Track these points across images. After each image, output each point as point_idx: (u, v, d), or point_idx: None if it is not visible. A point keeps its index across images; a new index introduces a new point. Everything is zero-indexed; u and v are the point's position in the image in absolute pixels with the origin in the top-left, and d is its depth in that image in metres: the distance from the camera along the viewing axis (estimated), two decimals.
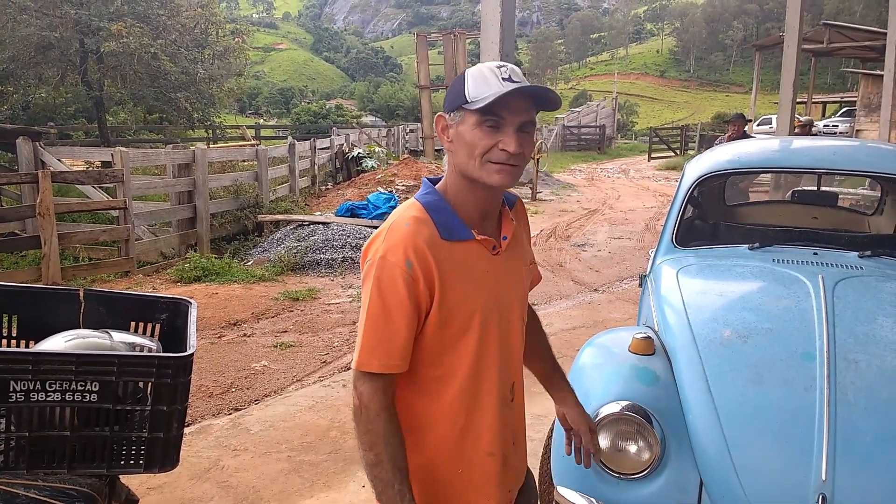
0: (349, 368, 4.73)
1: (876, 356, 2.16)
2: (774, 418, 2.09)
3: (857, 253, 2.84)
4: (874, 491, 1.90)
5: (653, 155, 27.62)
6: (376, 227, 6.81)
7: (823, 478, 1.92)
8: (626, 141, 39.66)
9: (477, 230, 1.39)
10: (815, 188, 3.82)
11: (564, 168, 24.26)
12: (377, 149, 14.58)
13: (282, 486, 3.16)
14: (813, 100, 32.74)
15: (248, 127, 26.18)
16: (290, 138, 14.39)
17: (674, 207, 3.28)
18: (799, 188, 4.35)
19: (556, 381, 1.77)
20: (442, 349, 1.38)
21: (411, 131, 23.97)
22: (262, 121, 41.99)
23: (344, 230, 8.55)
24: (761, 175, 5.93)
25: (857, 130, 21.64)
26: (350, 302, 6.49)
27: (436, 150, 19.93)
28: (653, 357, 2.44)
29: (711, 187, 4.30)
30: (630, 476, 2.18)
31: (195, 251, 8.31)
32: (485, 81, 1.32)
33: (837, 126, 24.88)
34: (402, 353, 1.33)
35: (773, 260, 2.82)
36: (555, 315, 6.21)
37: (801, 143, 3.40)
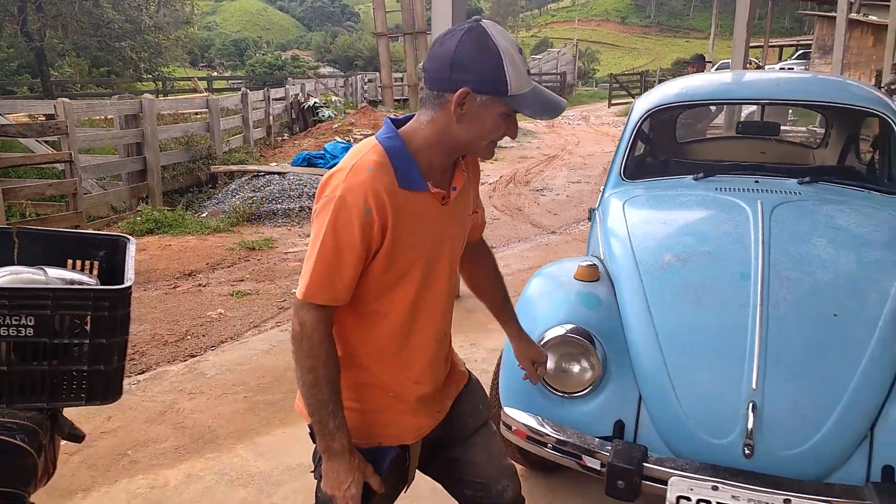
0: None
1: (808, 273, 2.25)
2: (710, 335, 2.17)
3: (796, 180, 2.92)
4: (799, 397, 2.01)
5: (613, 101, 27.63)
6: None
7: (754, 386, 2.02)
8: (587, 88, 39.51)
9: (432, 182, 1.42)
10: (760, 119, 3.89)
11: (524, 116, 24.14)
12: (334, 98, 14.30)
13: (238, 425, 3.18)
14: (770, 43, 32.97)
15: (200, 79, 25.32)
16: (243, 88, 14.00)
17: (622, 142, 3.31)
18: (748, 121, 4.42)
19: (504, 316, 1.88)
20: (383, 288, 1.43)
21: (370, 81, 23.49)
22: (215, 73, 40.66)
23: (300, 180, 8.44)
24: (717, 117, 6.01)
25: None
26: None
27: (395, 100, 19.64)
28: (597, 283, 2.49)
29: (663, 124, 4.35)
30: (574, 394, 2.25)
31: (147, 204, 8.13)
32: (519, 74, 1.33)
33: (793, 69, 25.18)
34: (348, 288, 1.38)
35: (716, 189, 2.88)
36: (512, 257, 6.28)
37: (747, 75, 3.44)
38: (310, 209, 7.70)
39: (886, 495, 1.83)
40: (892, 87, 7.48)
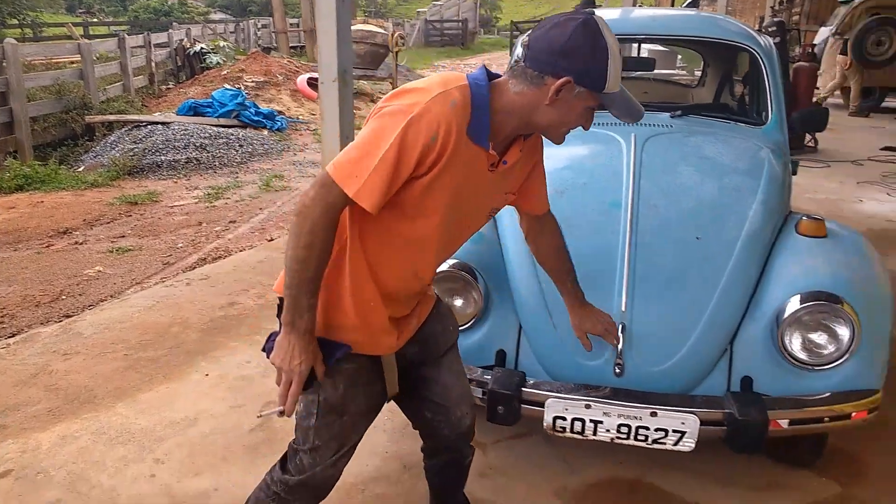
0: (194, 268, 4.55)
1: (674, 200, 2.34)
2: (584, 262, 2.21)
3: (669, 114, 3.01)
4: (665, 317, 2.11)
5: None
6: (223, 126, 6.48)
7: (623, 309, 2.10)
8: (489, 36, 39.38)
9: (492, 144, 1.45)
10: (636, 55, 3.99)
11: (428, 64, 23.84)
12: (223, 44, 13.53)
13: (117, 384, 3.03)
14: None
15: (76, 24, 23.30)
16: (120, 33, 13.00)
17: None
18: (628, 56, 4.52)
19: (567, 287, 1.94)
20: (402, 214, 1.46)
21: (263, 27, 22.39)
22: (95, 20, 37.53)
23: (186, 130, 7.99)
24: None
25: None
26: (196, 203, 6.16)
27: (291, 48, 18.83)
28: None
29: None
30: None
31: (15, 159, 7.48)
32: (617, 74, 1.39)
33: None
34: (382, 198, 1.37)
35: (596, 124, 2.91)
36: None
37: (625, 13, 3.48)
38: (197, 161, 7.38)
39: (742, 402, 1.97)
40: (770, 29, 7.83)
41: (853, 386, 2.02)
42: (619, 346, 2.05)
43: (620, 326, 2.07)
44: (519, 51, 1.42)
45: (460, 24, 31.72)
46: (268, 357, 1.49)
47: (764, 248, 2.24)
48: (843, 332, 2.01)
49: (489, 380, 2.09)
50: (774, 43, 7.90)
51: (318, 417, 1.59)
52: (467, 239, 1.69)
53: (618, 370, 2.08)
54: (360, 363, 1.59)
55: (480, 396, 2.12)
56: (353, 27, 14.68)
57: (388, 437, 2.68)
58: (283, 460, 1.70)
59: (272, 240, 5.12)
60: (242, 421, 2.78)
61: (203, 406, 2.89)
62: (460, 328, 2.27)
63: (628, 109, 1.48)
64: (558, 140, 1.52)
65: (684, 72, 7.86)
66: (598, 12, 3.72)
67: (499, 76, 1.47)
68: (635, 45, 6.72)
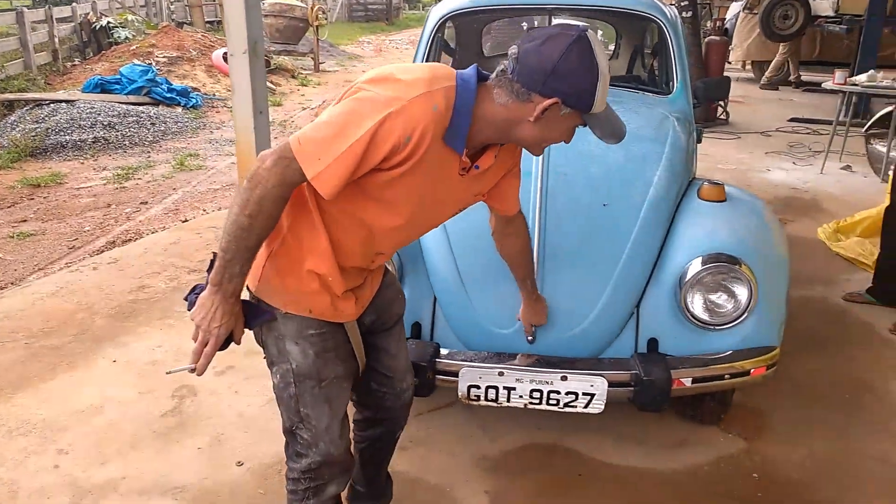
0: (102, 252, 4.34)
1: (582, 168, 2.37)
2: None
3: None
4: (574, 283, 2.14)
5: None
6: (133, 104, 6.13)
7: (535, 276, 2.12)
8: (415, 11, 38.94)
9: (467, 149, 1.42)
10: (548, 24, 3.99)
11: (352, 40, 23.35)
12: (131, 17, 12.85)
13: (18, 373, 2.87)
14: None
15: None
16: (19, 7, 12.16)
17: (419, 49, 3.26)
18: (535, 27, 4.54)
19: (525, 283, 2.01)
20: (365, 201, 1.43)
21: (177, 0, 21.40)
22: None
23: (93, 108, 7.57)
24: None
25: None
26: (104, 184, 5.86)
27: (207, 22, 18.06)
28: None
29: (468, 37, 4.35)
30: None
31: None
32: (604, 95, 1.37)
33: None
34: (341, 187, 1.34)
35: None
36: None
37: None
38: (105, 140, 7.02)
39: (647, 363, 2.03)
40: (682, 3, 8.03)
41: (752, 343, 2.12)
42: None
43: None
44: (508, 61, 1.37)
45: None
46: (188, 310, 1.46)
47: (668, 212, 2.30)
48: (742, 293, 2.09)
49: None
50: (687, 17, 8.10)
51: (297, 385, 1.57)
52: (434, 227, 1.69)
53: (530, 338, 2.10)
54: (325, 329, 1.57)
55: None
56: (272, 0, 14.22)
57: None
58: (288, 452, 1.67)
59: (186, 221, 4.94)
60: (152, 407, 2.68)
61: (110, 393, 2.77)
62: None
63: (612, 129, 1.46)
64: (538, 153, 1.52)
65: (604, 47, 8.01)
66: None
67: (488, 77, 1.42)
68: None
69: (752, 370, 2.08)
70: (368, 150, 1.30)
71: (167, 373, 1.72)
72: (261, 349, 1.63)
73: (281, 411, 1.63)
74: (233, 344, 1.48)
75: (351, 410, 1.78)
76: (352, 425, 1.93)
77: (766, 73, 11.23)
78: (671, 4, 8.54)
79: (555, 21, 2.49)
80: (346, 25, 27.83)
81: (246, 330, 1.51)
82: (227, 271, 1.37)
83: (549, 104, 1.34)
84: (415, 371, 2.03)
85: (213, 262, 1.43)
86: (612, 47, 6.67)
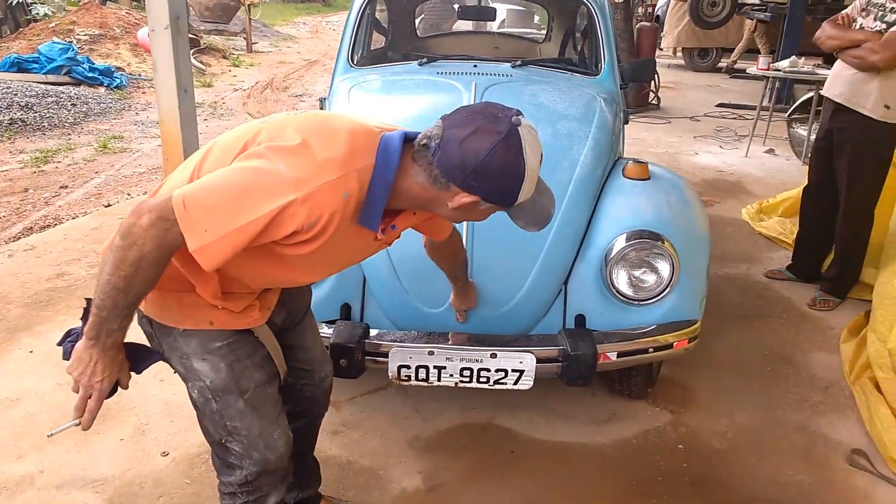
0: (18, 238, 4.12)
1: None
2: None
3: (510, 64, 3.04)
4: (502, 261, 2.15)
5: None
6: (53, 84, 5.86)
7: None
8: None
9: (384, 217, 1.34)
10: (478, 3, 4.01)
11: (288, 20, 22.84)
12: None
13: None
14: None
15: None
16: None
17: (347, 29, 3.20)
18: (466, 6, 4.54)
19: (457, 283, 2.04)
20: (269, 259, 1.32)
21: None
22: None
23: (9, 88, 7.15)
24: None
25: None
26: (21, 168, 5.56)
27: None
28: None
29: (401, 18, 4.30)
30: None
31: None
32: (530, 189, 1.29)
33: None
34: (225, 262, 1.22)
35: (438, 72, 2.91)
36: None
37: None
38: (23, 121, 6.65)
39: (574, 338, 2.06)
40: None
41: (675, 317, 2.17)
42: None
43: None
44: (431, 136, 1.28)
45: None
46: (64, 358, 1.33)
47: (594, 191, 2.33)
48: (664, 268, 2.14)
49: (331, 334, 2.04)
50: (619, 3, 8.22)
51: (217, 401, 1.46)
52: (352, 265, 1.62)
53: (460, 316, 2.10)
54: (232, 339, 1.46)
55: None
56: None
57: None
58: (217, 464, 1.56)
59: (109, 205, 4.73)
60: (72, 398, 2.55)
61: (27, 385, 2.64)
62: None
63: (535, 219, 1.37)
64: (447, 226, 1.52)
65: (540, 31, 8.07)
66: None
67: (414, 138, 1.30)
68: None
69: (674, 343, 2.14)
70: (265, 231, 1.19)
71: (49, 435, 1.52)
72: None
73: (204, 424, 1.52)
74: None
75: None
76: None
77: (732, 57, 11.54)
78: None
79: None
80: (281, 6, 27.15)
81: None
82: (104, 327, 1.25)
83: (467, 201, 1.27)
84: (344, 353, 2.01)
85: (86, 310, 1.30)
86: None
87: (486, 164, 1.22)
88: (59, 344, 1.38)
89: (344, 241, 1.32)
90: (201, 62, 10.84)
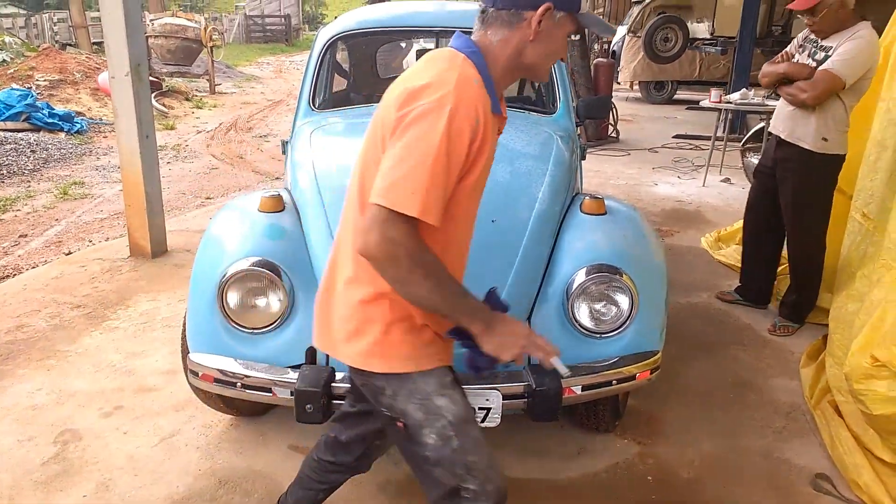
0: None
1: None
2: None
3: None
4: None
5: None
6: (11, 130, 5.81)
7: None
8: (315, 32, 38.81)
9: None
10: (435, 46, 4.08)
11: (251, 61, 22.99)
12: (8, 39, 12.08)
13: None
14: None
15: None
16: None
17: (307, 72, 3.24)
18: (424, 49, 4.62)
19: None
20: (457, 205, 1.37)
21: (60, 20, 20.32)
22: None
23: None
24: (410, 54, 6.20)
25: None
26: None
27: (94, 44, 17.23)
28: (282, 214, 2.43)
29: (362, 59, 4.37)
30: (264, 329, 2.19)
31: None
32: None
33: None
34: (444, 207, 1.29)
35: None
36: None
37: (422, 6, 3.55)
38: None
39: (538, 373, 2.07)
40: None
41: (636, 349, 2.21)
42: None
43: None
44: (480, 6, 1.40)
45: (283, 19, 30.90)
46: (482, 369, 1.47)
47: (553, 226, 2.38)
48: (623, 301, 2.18)
49: (296, 379, 2.03)
50: (576, 40, 8.43)
51: (458, 436, 1.46)
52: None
53: None
54: (451, 372, 1.55)
55: (290, 397, 2.06)
56: (161, 20, 13.77)
57: (201, 453, 2.54)
58: None
59: (70, 253, 4.66)
60: (33, 454, 2.50)
61: None
62: (267, 328, 2.20)
63: (604, 26, 1.50)
64: (545, 76, 1.48)
65: None
66: (392, 6, 3.73)
67: (471, 33, 1.42)
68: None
69: (637, 375, 2.17)
70: (450, 154, 1.26)
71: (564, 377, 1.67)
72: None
73: (434, 477, 1.48)
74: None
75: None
76: (323, 463, 1.88)
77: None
78: None
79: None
80: (243, 46, 27.36)
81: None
82: (475, 312, 1.37)
83: (542, 11, 1.34)
84: (309, 398, 2.00)
85: (455, 330, 1.41)
86: None
87: None
88: (473, 368, 1.49)
89: (492, 144, 1.40)
90: (164, 105, 10.82)
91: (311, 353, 2.18)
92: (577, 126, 3.16)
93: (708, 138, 7.72)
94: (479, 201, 1.49)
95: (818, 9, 3.13)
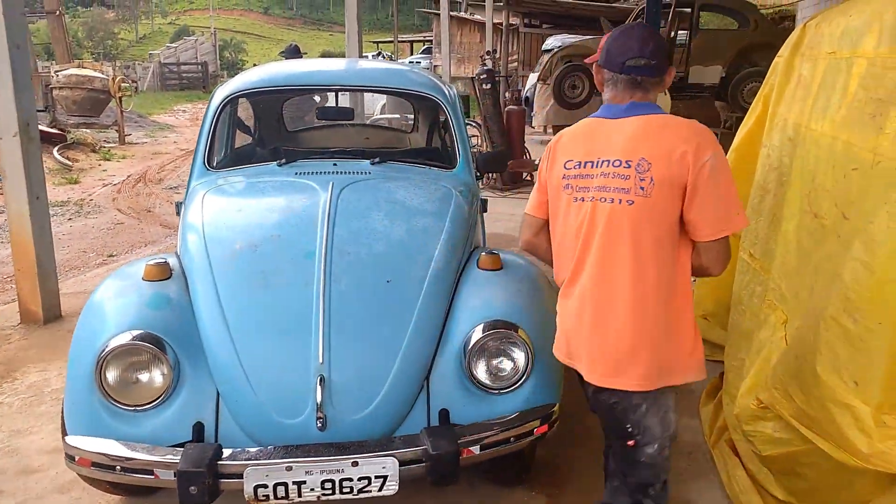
0: None
1: (366, 246, 2.40)
2: (278, 317, 2.18)
3: (369, 161, 3.12)
4: (362, 363, 2.13)
5: None
6: None
7: (321, 361, 2.08)
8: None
9: None
10: (335, 104, 4.13)
11: (166, 108, 22.49)
12: None
13: None
14: (399, 39, 35.84)
15: None
16: None
17: (203, 131, 3.17)
18: (325, 106, 4.65)
19: None
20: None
21: None
22: None
23: None
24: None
25: (435, 66, 24.44)
26: None
27: None
28: (168, 282, 2.34)
29: (268, 113, 4.33)
30: (146, 406, 2.08)
31: None
32: None
33: (420, 62, 27.78)
34: None
35: (296, 173, 2.93)
36: None
37: (324, 64, 3.57)
38: None
39: (435, 436, 2.05)
40: (482, 76, 8.61)
41: (534, 403, 2.22)
42: (319, 400, 2.03)
43: (318, 379, 2.05)
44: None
45: (200, 66, 30.50)
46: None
47: (450, 283, 2.38)
48: (520, 356, 2.19)
49: (178, 460, 1.93)
50: (487, 89, 8.65)
51: (668, 447, 1.89)
52: None
53: (319, 424, 2.04)
54: None
55: (172, 478, 1.94)
56: (67, 72, 13.34)
57: None
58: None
59: None
60: None
61: None
62: (150, 405, 2.08)
63: None
64: None
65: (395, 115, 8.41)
66: (295, 63, 3.72)
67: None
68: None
69: (535, 430, 2.17)
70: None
71: None
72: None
73: (646, 477, 1.91)
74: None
75: None
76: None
77: None
78: (474, 77, 9.15)
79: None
80: (158, 94, 26.80)
81: None
82: None
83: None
84: (192, 479, 1.90)
85: None
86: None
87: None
88: None
89: None
90: (67, 158, 10.38)
91: (199, 429, 2.09)
92: (477, 179, 3.21)
93: None
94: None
95: None
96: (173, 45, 33.84)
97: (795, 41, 3.47)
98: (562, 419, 2.33)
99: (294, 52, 7.86)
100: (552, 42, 12.48)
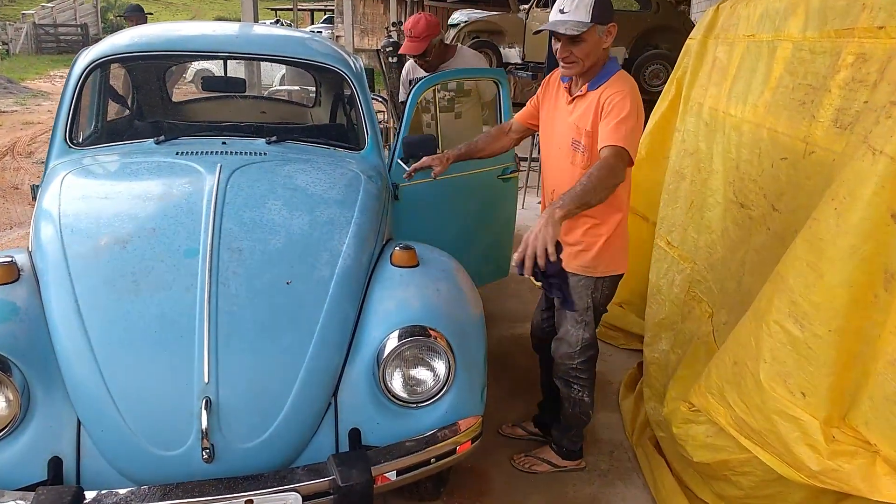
0: None
1: (260, 241, 2.06)
2: (153, 329, 1.82)
3: (265, 140, 2.75)
4: (256, 381, 1.82)
5: None
6: None
7: (206, 380, 1.76)
8: None
9: None
10: (223, 73, 3.70)
11: (41, 74, 20.55)
12: None
13: None
14: (300, 7, 34.34)
15: None
16: None
17: (64, 101, 2.69)
18: (211, 76, 4.20)
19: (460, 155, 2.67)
20: None
21: None
22: None
23: None
24: (184, 74, 5.67)
25: (337, 36, 23.60)
26: None
27: None
28: (15, 285, 1.93)
29: (148, 82, 3.82)
30: None
31: None
32: None
33: (321, 32, 26.74)
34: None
35: (177, 153, 2.52)
36: (5, 246, 5.06)
37: (209, 28, 3.12)
38: None
39: (344, 464, 1.77)
40: (387, 49, 8.22)
41: (456, 416, 1.98)
42: (205, 426, 1.71)
43: (204, 402, 1.73)
44: None
45: (80, 28, 28.08)
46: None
47: (360, 283, 2.10)
48: (439, 365, 1.95)
49: None
50: (392, 62, 8.29)
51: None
52: None
53: (206, 455, 1.72)
54: None
55: None
56: None
57: None
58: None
59: None
60: None
61: None
62: None
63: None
64: None
65: (295, 87, 7.94)
66: (175, 26, 3.25)
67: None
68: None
69: (457, 448, 1.94)
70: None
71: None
72: None
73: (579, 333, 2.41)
74: None
75: None
76: None
77: None
78: (379, 50, 8.76)
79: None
80: (33, 58, 24.51)
81: None
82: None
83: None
84: None
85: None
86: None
87: None
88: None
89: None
90: None
91: (56, 466, 1.72)
92: (405, 161, 2.90)
93: (524, 159, 7.91)
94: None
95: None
96: (49, 4, 30.83)
97: (709, 23, 3.37)
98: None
99: (136, 11, 6.89)
100: (458, 17, 12.19)
